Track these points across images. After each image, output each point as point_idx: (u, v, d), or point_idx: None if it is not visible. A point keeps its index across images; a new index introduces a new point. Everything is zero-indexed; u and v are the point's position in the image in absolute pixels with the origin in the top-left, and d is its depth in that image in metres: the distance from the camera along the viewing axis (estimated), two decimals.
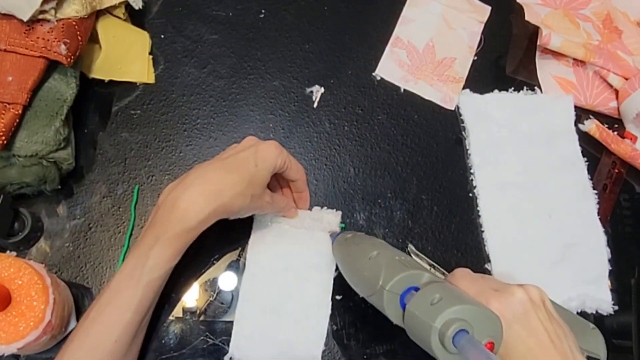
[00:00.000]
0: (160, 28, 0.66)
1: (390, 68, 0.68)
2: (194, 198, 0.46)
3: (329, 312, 0.55)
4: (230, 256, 0.57)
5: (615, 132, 0.68)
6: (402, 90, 0.67)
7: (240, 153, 0.50)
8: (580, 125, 0.68)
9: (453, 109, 0.67)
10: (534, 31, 0.69)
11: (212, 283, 0.56)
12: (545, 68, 0.70)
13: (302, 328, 0.54)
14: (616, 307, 0.59)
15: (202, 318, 0.54)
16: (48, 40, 0.52)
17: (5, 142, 0.50)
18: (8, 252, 0.46)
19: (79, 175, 0.58)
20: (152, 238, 0.46)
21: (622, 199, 0.65)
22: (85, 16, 0.55)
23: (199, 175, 0.48)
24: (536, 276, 0.59)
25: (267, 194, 0.52)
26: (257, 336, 0.54)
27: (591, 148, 0.67)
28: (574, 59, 0.71)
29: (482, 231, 0.62)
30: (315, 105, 0.65)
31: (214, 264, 0.56)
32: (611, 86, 0.69)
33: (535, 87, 0.69)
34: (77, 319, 0.51)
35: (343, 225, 0.59)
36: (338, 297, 0.56)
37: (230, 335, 0.54)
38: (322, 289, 0.56)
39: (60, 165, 0.55)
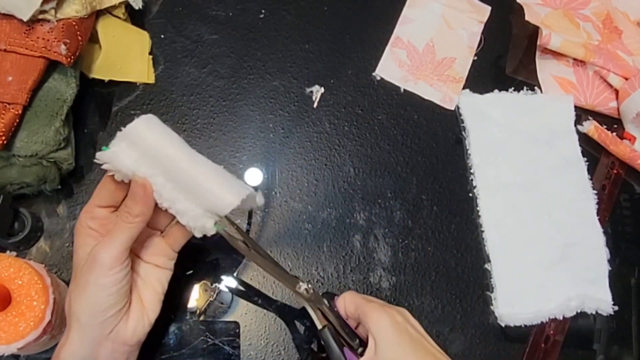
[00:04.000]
0: (160, 28, 0.66)
1: (390, 68, 0.68)
2: None
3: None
4: (231, 256, 0.57)
5: (615, 133, 0.68)
6: (402, 90, 0.67)
7: None
8: (579, 127, 0.68)
9: (453, 109, 0.67)
10: (534, 31, 0.69)
11: (212, 283, 0.56)
12: (545, 68, 0.70)
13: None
14: (616, 307, 0.59)
15: (202, 318, 0.54)
16: (48, 40, 0.52)
17: (5, 142, 0.50)
18: (8, 252, 0.46)
19: (79, 175, 0.58)
20: None
21: (622, 199, 0.65)
22: (85, 16, 0.55)
23: None
24: (536, 276, 0.60)
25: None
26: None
27: (590, 148, 0.67)
28: (574, 59, 0.71)
29: (482, 231, 0.62)
30: (315, 105, 0.65)
31: (213, 264, 0.56)
32: (611, 86, 0.69)
33: (535, 87, 0.69)
34: None
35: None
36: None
37: (230, 335, 0.54)
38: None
39: (60, 165, 0.55)
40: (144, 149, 0.42)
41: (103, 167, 0.43)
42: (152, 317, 0.46)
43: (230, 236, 0.44)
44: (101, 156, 0.42)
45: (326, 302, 0.48)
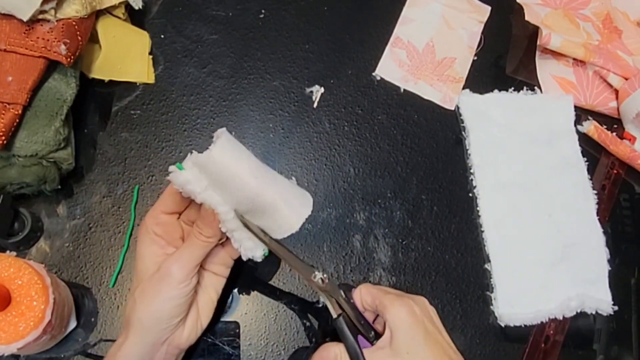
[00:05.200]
0: (160, 28, 0.66)
1: (390, 68, 0.68)
2: None
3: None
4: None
5: (615, 133, 0.68)
6: (402, 90, 0.67)
7: None
8: (579, 127, 0.68)
9: (453, 109, 0.67)
10: (534, 31, 0.69)
11: None
12: (545, 68, 0.70)
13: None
14: (616, 307, 0.59)
15: None
16: (48, 40, 0.52)
17: (5, 142, 0.50)
18: (8, 252, 0.46)
19: (79, 175, 0.58)
20: None
21: (622, 199, 0.65)
22: (85, 16, 0.55)
23: None
24: (536, 276, 0.60)
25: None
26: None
27: (590, 148, 0.67)
28: (574, 59, 0.71)
29: (482, 231, 0.62)
30: (315, 105, 0.65)
31: None
32: (611, 86, 0.69)
33: (535, 87, 0.69)
34: (77, 319, 0.51)
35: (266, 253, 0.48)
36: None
37: (230, 335, 0.54)
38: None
39: (60, 165, 0.55)
40: (215, 175, 0.43)
41: (173, 185, 0.44)
42: (205, 322, 0.48)
43: (252, 225, 0.45)
44: (175, 178, 0.43)
45: (342, 293, 0.47)
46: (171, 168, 0.43)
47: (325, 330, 0.55)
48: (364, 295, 0.47)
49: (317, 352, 0.46)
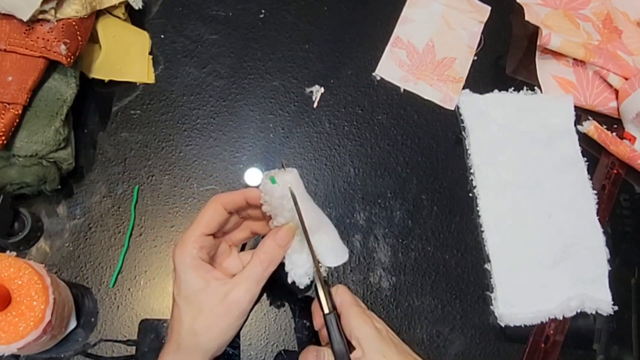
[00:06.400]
0: (160, 28, 0.66)
1: (390, 68, 0.68)
2: None
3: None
4: None
5: (615, 133, 0.68)
6: (402, 90, 0.67)
7: None
8: (579, 127, 0.68)
9: (453, 109, 0.67)
10: (534, 31, 0.69)
11: None
12: (545, 68, 0.70)
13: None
14: (616, 307, 0.59)
15: None
16: (48, 40, 0.52)
17: (5, 142, 0.50)
18: (8, 252, 0.46)
19: (79, 175, 0.58)
20: None
21: (622, 199, 0.65)
22: (85, 16, 0.55)
23: None
24: (536, 276, 0.60)
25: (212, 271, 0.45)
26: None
27: (590, 148, 0.67)
28: (574, 59, 0.70)
29: (482, 231, 0.62)
30: (315, 105, 0.65)
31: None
32: (611, 86, 0.69)
33: (535, 87, 0.69)
34: (77, 319, 0.51)
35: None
36: None
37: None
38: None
39: (60, 165, 0.55)
40: (296, 198, 0.44)
41: (262, 196, 0.44)
42: (233, 334, 0.47)
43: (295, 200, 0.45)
44: (271, 191, 0.43)
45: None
46: (263, 180, 0.43)
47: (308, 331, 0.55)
48: (336, 297, 0.48)
49: (301, 355, 0.47)
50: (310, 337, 0.55)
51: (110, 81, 0.61)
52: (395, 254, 0.60)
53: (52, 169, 0.54)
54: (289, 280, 0.47)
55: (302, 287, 0.47)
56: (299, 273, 0.47)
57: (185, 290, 0.44)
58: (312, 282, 0.47)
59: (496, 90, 0.68)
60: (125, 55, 0.62)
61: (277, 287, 0.57)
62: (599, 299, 0.59)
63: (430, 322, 0.58)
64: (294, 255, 0.46)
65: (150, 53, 0.64)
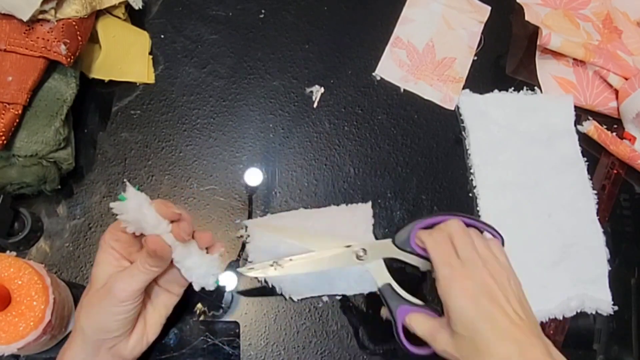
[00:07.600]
0: (160, 28, 0.66)
1: (390, 68, 0.68)
2: None
3: None
4: (230, 256, 0.57)
5: (615, 133, 0.68)
6: (402, 90, 0.67)
7: None
8: (579, 127, 0.68)
9: (453, 109, 0.67)
10: (534, 31, 0.69)
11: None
12: (545, 68, 0.70)
13: None
14: (616, 307, 0.59)
15: (202, 318, 0.54)
16: (48, 40, 0.52)
17: (5, 142, 0.50)
18: (8, 252, 0.46)
19: (79, 175, 0.58)
20: None
21: (622, 199, 0.65)
22: (85, 16, 0.55)
23: None
24: (536, 276, 0.59)
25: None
26: None
27: (590, 148, 0.67)
28: (574, 59, 0.71)
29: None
30: (315, 105, 0.65)
31: None
32: (611, 86, 0.69)
33: (535, 87, 0.69)
34: None
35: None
36: (338, 297, 0.57)
37: (230, 335, 0.54)
38: None
39: (60, 165, 0.55)
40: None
41: (121, 220, 0.43)
42: (152, 338, 0.48)
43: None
44: (121, 208, 0.42)
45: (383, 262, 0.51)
46: (112, 204, 0.42)
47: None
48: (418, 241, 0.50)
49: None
50: (311, 337, 0.55)
51: (110, 81, 0.61)
52: None
53: (52, 169, 0.54)
54: (196, 288, 0.47)
55: (211, 288, 0.47)
56: (200, 274, 0.46)
57: (94, 269, 0.45)
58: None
59: (496, 90, 0.68)
60: (125, 55, 0.62)
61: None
62: (599, 299, 0.59)
63: None
64: (185, 261, 0.45)
65: (150, 53, 0.64)
